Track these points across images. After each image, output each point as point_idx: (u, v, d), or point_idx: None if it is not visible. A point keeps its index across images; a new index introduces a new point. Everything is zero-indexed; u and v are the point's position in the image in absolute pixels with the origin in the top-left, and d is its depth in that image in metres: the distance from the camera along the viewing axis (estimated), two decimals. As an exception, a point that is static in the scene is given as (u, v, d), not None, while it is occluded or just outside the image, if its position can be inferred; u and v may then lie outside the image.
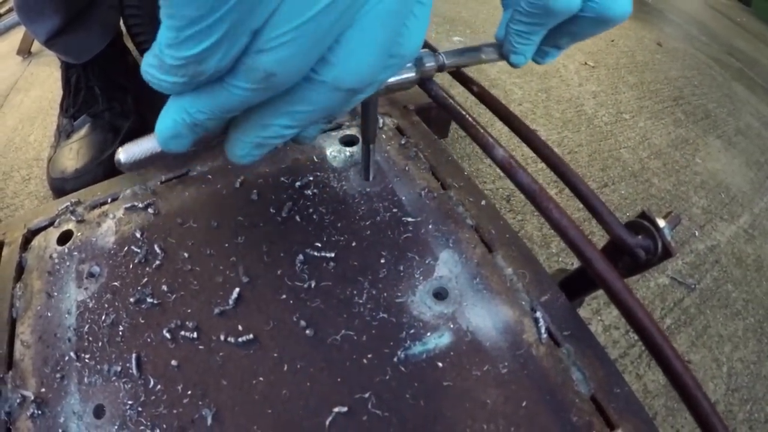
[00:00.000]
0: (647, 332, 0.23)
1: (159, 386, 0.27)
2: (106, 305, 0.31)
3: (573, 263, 0.68)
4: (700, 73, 1.43)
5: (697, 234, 0.83)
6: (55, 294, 0.32)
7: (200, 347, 0.28)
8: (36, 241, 0.35)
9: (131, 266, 0.32)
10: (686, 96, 1.26)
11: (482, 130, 0.32)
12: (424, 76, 0.31)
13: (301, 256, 0.32)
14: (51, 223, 0.36)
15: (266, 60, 0.15)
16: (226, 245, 0.33)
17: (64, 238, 0.35)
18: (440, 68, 0.31)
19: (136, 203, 0.36)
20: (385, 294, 0.30)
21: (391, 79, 0.29)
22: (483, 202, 0.36)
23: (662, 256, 0.28)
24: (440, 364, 0.28)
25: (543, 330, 0.29)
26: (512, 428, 0.25)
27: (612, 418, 0.26)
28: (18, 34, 0.99)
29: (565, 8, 0.26)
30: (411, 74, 0.30)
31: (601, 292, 0.30)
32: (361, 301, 0.30)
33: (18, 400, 0.27)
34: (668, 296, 0.70)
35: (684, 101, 1.23)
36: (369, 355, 0.28)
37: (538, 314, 0.30)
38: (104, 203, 0.37)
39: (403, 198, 0.36)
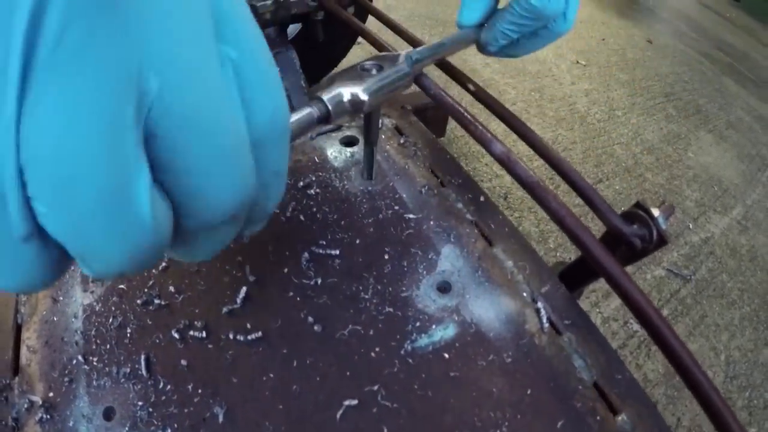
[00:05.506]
0: (646, 315, 0.24)
1: (169, 386, 0.27)
2: (113, 308, 0.31)
3: (570, 257, 0.69)
4: (691, 68, 1.45)
5: (691, 226, 0.85)
6: (61, 298, 0.32)
7: (209, 346, 0.29)
8: (41, 247, 0.35)
9: (137, 269, 0.32)
10: (677, 92, 1.28)
11: (480, 126, 0.33)
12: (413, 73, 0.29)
13: (306, 254, 0.32)
14: (55, 229, 0.36)
15: None
16: (232, 245, 0.33)
17: (69, 243, 0.35)
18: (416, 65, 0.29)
19: (139, 207, 0.36)
20: (390, 289, 0.31)
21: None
22: (482, 198, 0.37)
23: (657, 244, 0.28)
24: (446, 356, 0.28)
25: (545, 320, 0.29)
26: (518, 416, 0.26)
27: (615, 403, 0.26)
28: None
29: (553, 12, 0.29)
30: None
31: (599, 285, 0.31)
32: (367, 297, 0.31)
33: (25, 406, 0.27)
34: (665, 288, 0.71)
35: (675, 97, 1.25)
36: (377, 349, 0.28)
37: (540, 305, 0.30)
38: (108, 208, 0.37)
39: (404, 195, 0.37)
